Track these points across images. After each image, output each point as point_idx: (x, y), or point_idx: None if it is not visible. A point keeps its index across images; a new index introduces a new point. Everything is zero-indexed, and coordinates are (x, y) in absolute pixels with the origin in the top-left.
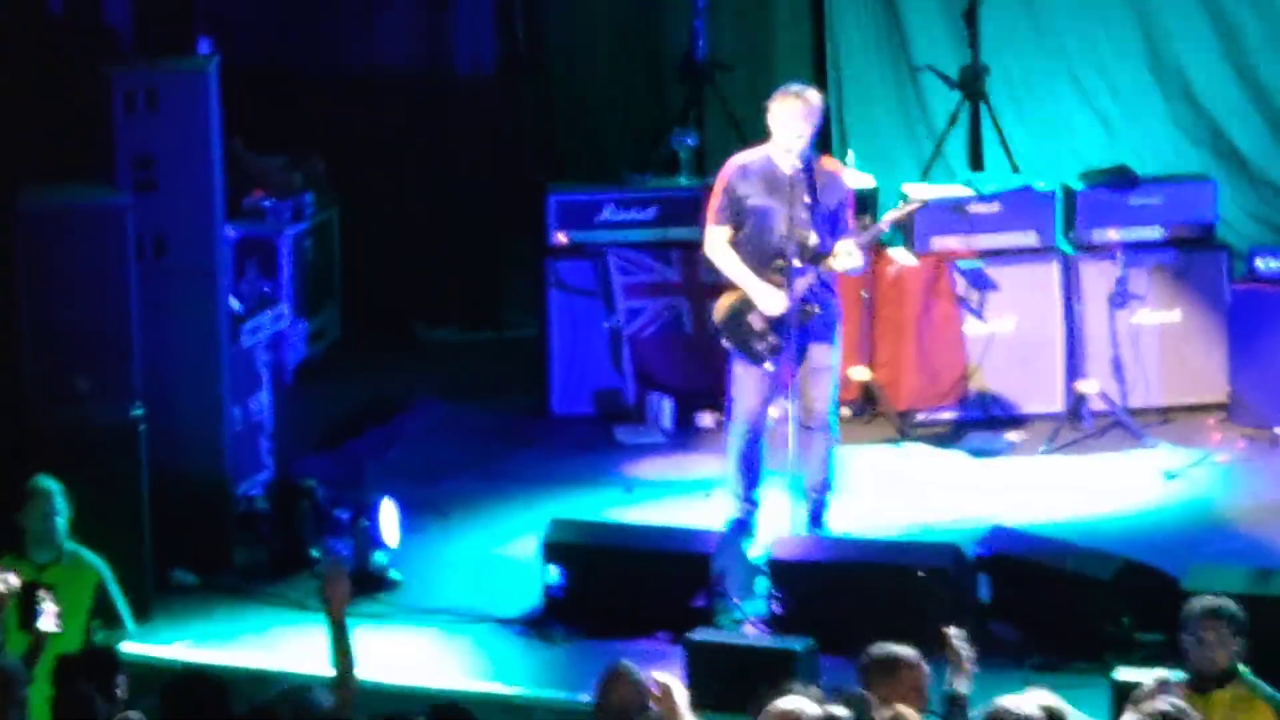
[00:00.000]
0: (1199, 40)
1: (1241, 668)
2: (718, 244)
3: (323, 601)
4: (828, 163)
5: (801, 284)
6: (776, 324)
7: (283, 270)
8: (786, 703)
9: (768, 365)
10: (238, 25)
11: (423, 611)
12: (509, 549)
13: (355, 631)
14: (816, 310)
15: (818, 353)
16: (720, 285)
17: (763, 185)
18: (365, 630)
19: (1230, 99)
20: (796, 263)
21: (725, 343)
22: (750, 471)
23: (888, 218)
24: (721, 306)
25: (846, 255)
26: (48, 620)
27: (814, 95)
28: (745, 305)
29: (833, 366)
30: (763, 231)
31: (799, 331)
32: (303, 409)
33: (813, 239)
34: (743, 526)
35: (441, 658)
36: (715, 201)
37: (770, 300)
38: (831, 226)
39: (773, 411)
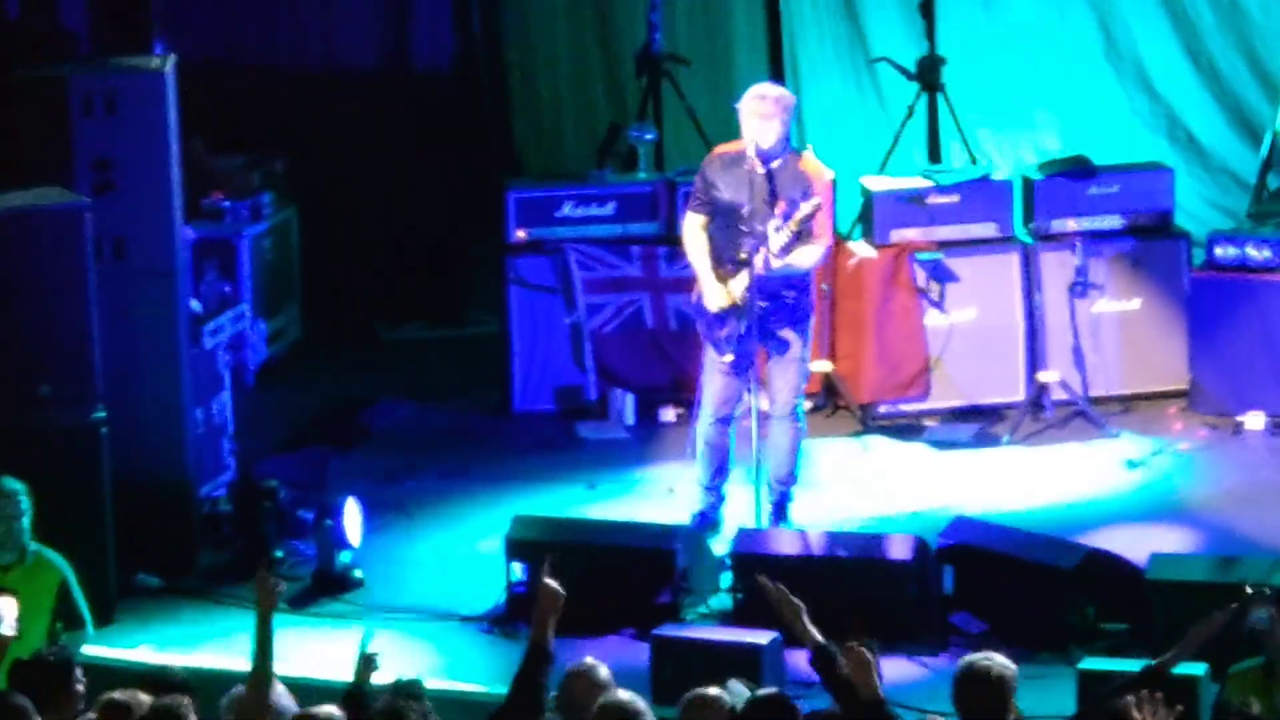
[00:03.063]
0: (1155, 29)
1: None
2: (688, 229)
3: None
4: (805, 163)
5: (746, 279)
6: (733, 316)
7: (242, 271)
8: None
9: (726, 356)
10: (194, 25)
11: (387, 610)
12: (472, 547)
13: (319, 631)
14: (764, 305)
15: (781, 345)
16: (684, 280)
17: (733, 180)
18: (329, 630)
19: (1187, 87)
20: (744, 256)
21: (698, 326)
22: (717, 462)
23: (795, 217)
24: (694, 293)
25: (762, 259)
26: (6, 625)
27: (781, 96)
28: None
29: (798, 359)
30: (728, 225)
31: (760, 325)
32: (264, 410)
33: (774, 240)
34: (707, 519)
35: (406, 656)
36: (695, 189)
37: (711, 294)
38: (805, 222)
39: (748, 402)
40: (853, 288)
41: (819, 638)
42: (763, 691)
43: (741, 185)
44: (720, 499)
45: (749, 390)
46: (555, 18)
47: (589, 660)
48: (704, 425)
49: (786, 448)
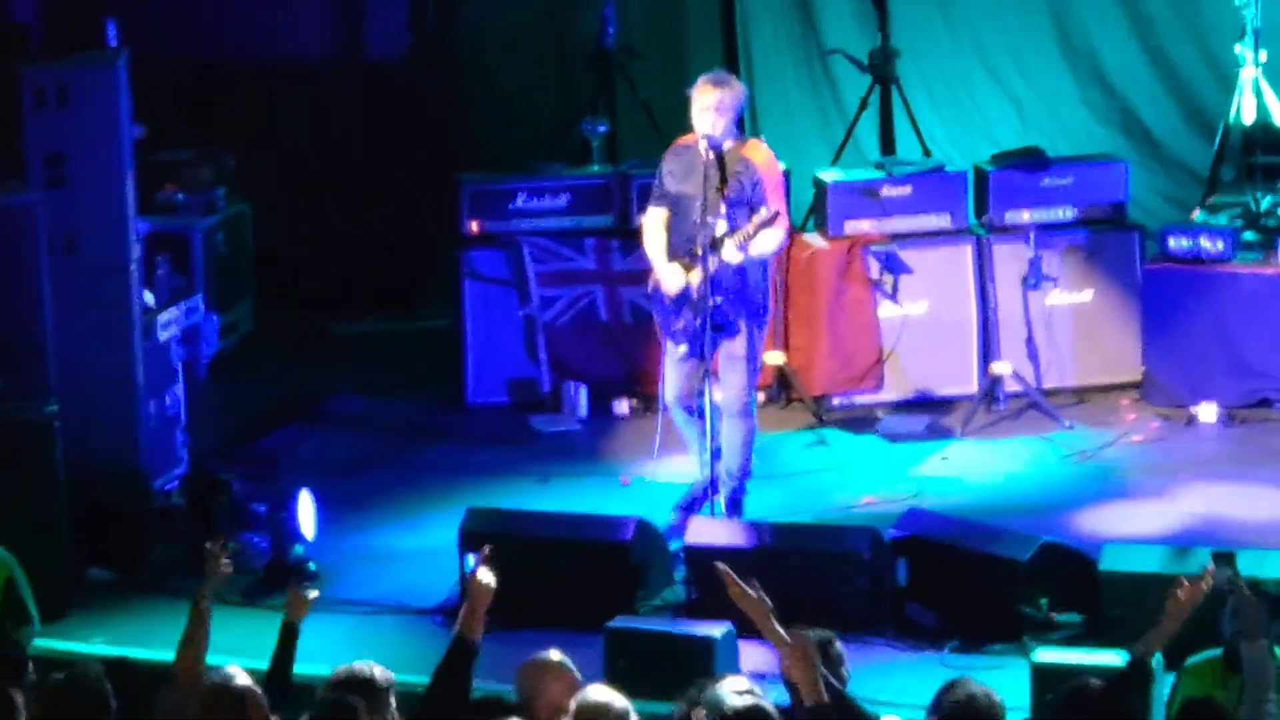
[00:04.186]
0: (1108, 20)
1: (1277, 649)
2: (649, 222)
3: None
4: (750, 150)
5: (702, 271)
6: (686, 308)
7: (195, 264)
8: (596, 693)
9: (680, 348)
10: (147, 19)
11: (340, 603)
12: (426, 539)
13: (273, 623)
14: (718, 300)
15: (728, 341)
16: (638, 272)
17: (685, 171)
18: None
19: (1140, 79)
20: (699, 250)
21: (655, 315)
22: (702, 435)
23: (754, 221)
24: (650, 283)
25: (726, 248)
26: None
27: (730, 86)
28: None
29: (746, 358)
30: (682, 217)
31: (713, 319)
32: (217, 403)
33: (721, 227)
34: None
35: (359, 649)
36: (656, 181)
37: (667, 276)
38: (748, 213)
39: (719, 396)
40: (806, 280)
41: (787, 638)
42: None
43: (692, 174)
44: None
45: (710, 383)
46: (509, 10)
47: (554, 655)
48: (673, 415)
49: (739, 443)
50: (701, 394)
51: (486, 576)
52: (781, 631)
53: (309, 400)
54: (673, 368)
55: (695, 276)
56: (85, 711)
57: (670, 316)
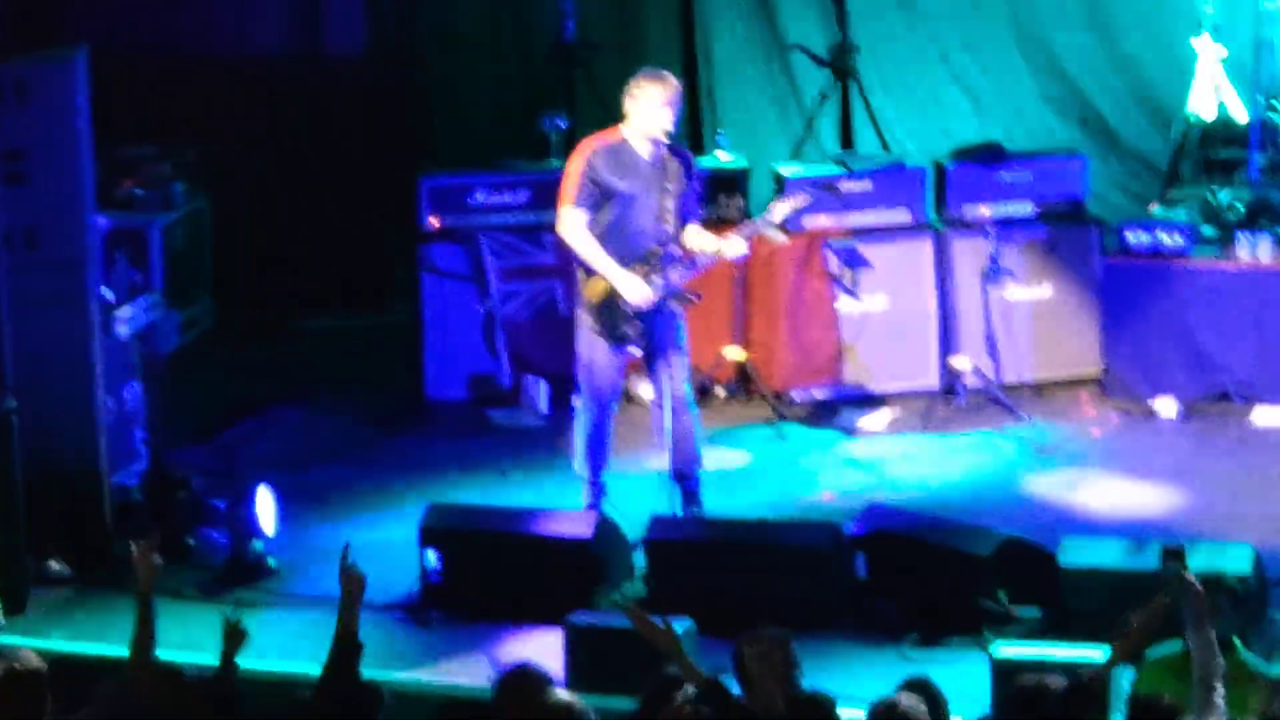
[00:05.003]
0: (1067, 15)
1: (1236, 641)
2: (578, 228)
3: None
4: (673, 143)
5: (677, 273)
6: (641, 313)
7: (154, 259)
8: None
9: (634, 349)
10: (106, 14)
11: (300, 599)
12: (386, 535)
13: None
14: (694, 300)
15: (674, 334)
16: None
17: (627, 171)
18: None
19: (1099, 74)
20: (657, 249)
21: (591, 324)
22: (598, 455)
23: (775, 211)
24: (595, 289)
25: (733, 244)
26: None
27: (673, 78)
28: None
29: (685, 344)
30: (629, 219)
31: (669, 317)
32: (176, 399)
33: (673, 224)
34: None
35: (319, 645)
36: (574, 182)
37: (637, 292)
38: (691, 207)
39: (644, 393)
40: (766, 275)
41: (703, 673)
42: None
43: (640, 177)
44: (604, 491)
45: (647, 383)
46: (467, 4)
47: (531, 665)
48: (588, 420)
49: (692, 435)
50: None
51: (356, 568)
52: (699, 671)
53: (268, 396)
54: (606, 371)
55: (657, 279)
56: (20, 706)
57: (623, 322)
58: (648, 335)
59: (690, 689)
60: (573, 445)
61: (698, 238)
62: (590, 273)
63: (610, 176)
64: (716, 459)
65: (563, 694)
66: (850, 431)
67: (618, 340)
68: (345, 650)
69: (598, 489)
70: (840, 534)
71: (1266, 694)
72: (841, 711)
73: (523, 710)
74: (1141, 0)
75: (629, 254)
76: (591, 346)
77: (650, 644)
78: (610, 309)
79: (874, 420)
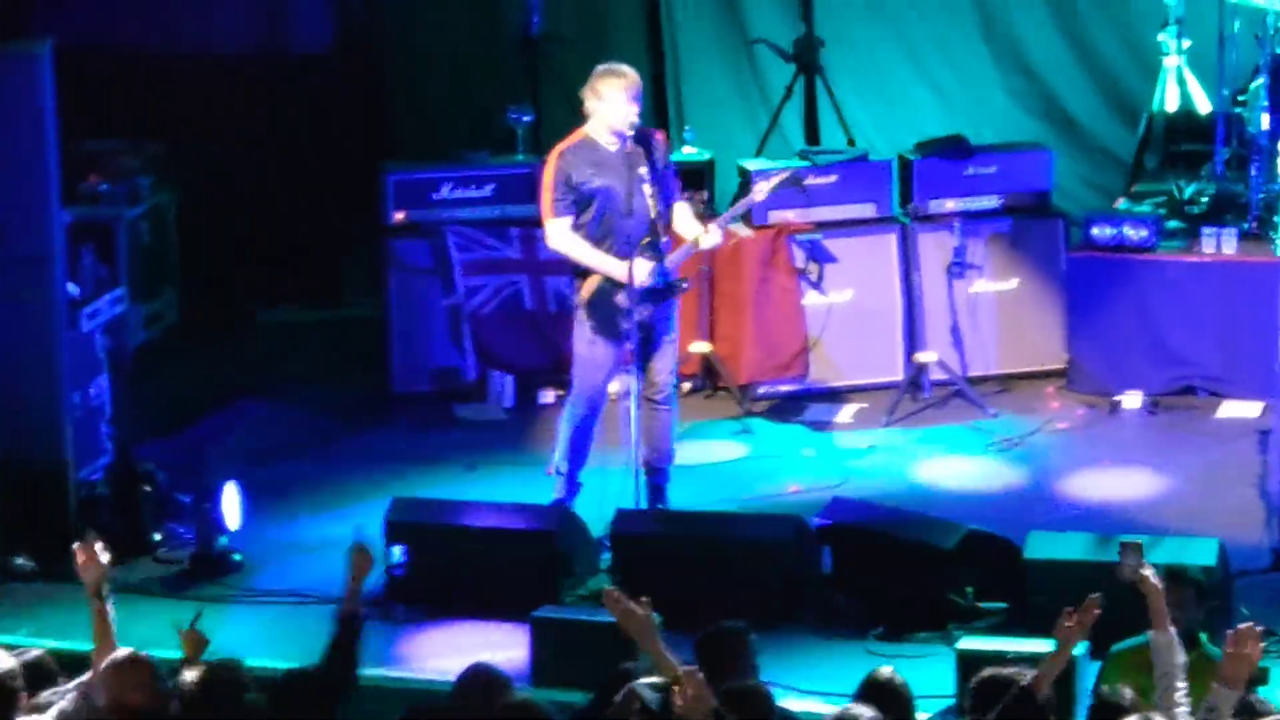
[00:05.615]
0: (1032, 8)
1: (1202, 635)
2: (565, 235)
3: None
4: (653, 133)
5: (671, 259)
6: (641, 301)
7: (120, 254)
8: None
9: (629, 344)
10: (71, 8)
11: (265, 593)
12: (351, 529)
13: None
14: (685, 284)
15: (663, 327)
16: (561, 261)
17: (598, 167)
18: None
19: (1064, 67)
20: (647, 240)
21: (587, 322)
22: (582, 451)
23: (761, 188)
24: (589, 287)
25: (709, 234)
26: None
27: (631, 71)
28: (612, 285)
29: (675, 340)
30: (611, 213)
31: (663, 309)
32: (142, 393)
33: (656, 209)
34: (563, 506)
35: (284, 639)
36: (551, 194)
37: (640, 270)
38: (670, 187)
39: (613, 387)
40: (731, 269)
41: (675, 665)
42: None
43: (610, 170)
44: (578, 488)
45: (634, 374)
46: None
47: (488, 665)
48: (577, 416)
49: (667, 431)
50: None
51: (367, 548)
52: (672, 660)
53: (234, 390)
54: (602, 365)
55: (645, 269)
56: None
57: (619, 316)
58: (646, 327)
59: (645, 689)
60: (539, 439)
61: (684, 220)
62: (586, 274)
63: (584, 176)
64: (682, 453)
65: (522, 694)
66: (815, 425)
67: (616, 337)
68: (348, 629)
69: (573, 485)
70: (805, 528)
71: None
72: (806, 705)
73: (482, 711)
74: None
75: (622, 245)
76: (591, 345)
77: (624, 632)
78: (605, 305)
79: (839, 414)
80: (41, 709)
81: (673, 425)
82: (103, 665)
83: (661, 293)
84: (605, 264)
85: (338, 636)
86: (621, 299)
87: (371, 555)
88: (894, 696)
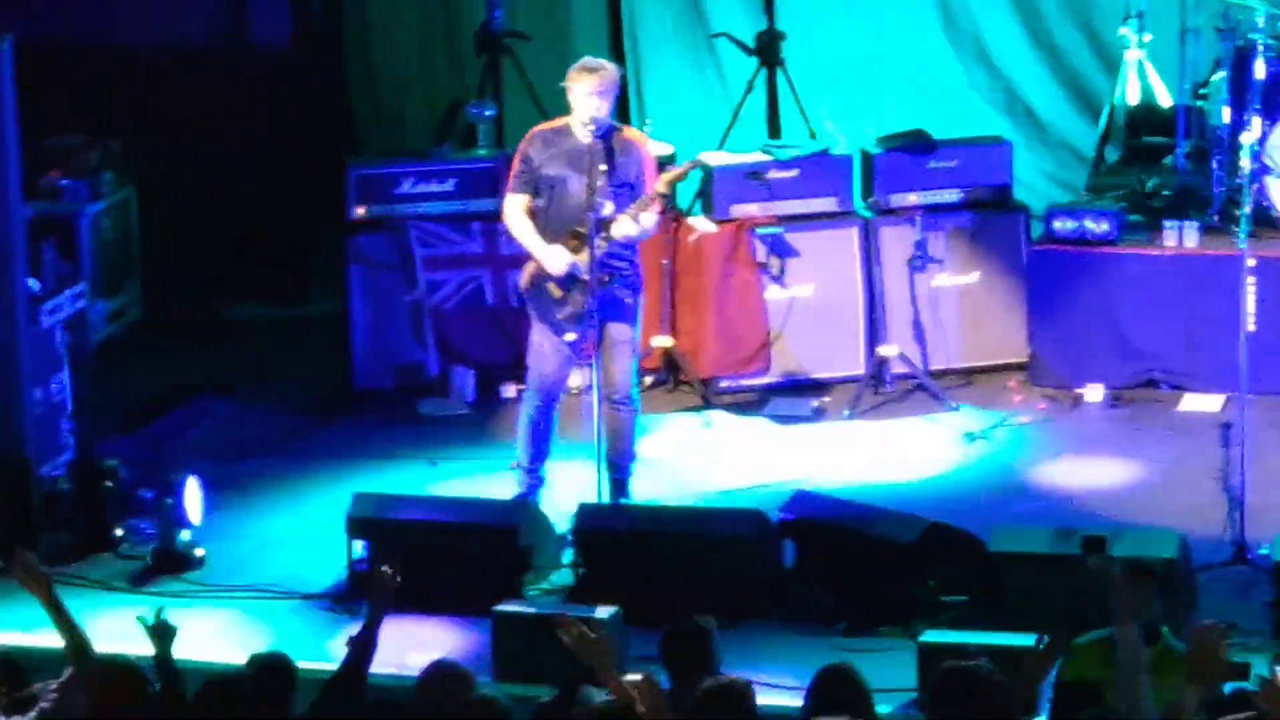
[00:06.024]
0: (993, 2)
1: (1164, 629)
2: (513, 210)
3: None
4: (629, 133)
5: (590, 252)
6: (574, 292)
7: (81, 250)
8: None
9: (568, 335)
10: (29, 3)
11: (227, 589)
12: (313, 525)
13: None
14: (607, 279)
15: (617, 325)
16: (523, 256)
17: (561, 155)
18: (171, 610)
19: (1025, 61)
20: (585, 230)
21: (531, 310)
22: (539, 444)
23: (663, 179)
24: (525, 274)
25: (619, 224)
26: None
27: (609, 69)
28: (544, 273)
29: (631, 340)
30: (560, 201)
31: (598, 302)
32: (103, 389)
33: (608, 208)
34: (526, 501)
35: (247, 635)
36: (513, 169)
37: (553, 259)
38: (632, 196)
39: (575, 381)
40: (693, 263)
41: (629, 689)
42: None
43: (572, 160)
44: (540, 482)
45: (589, 367)
46: None
47: (450, 661)
48: (529, 406)
49: (624, 431)
50: (566, 381)
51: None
52: (625, 686)
53: (196, 386)
54: (549, 357)
55: (584, 258)
56: None
57: (554, 306)
58: (585, 320)
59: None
60: (501, 434)
61: (621, 228)
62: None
63: (540, 161)
64: (645, 447)
65: (484, 691)
66: (778, 419)
67: (553, 324)
68: (364, 655)
69: (535, 479)
70: (767, 522)
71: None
72: (771, 699)
73: (444, 708)
74: None
75: (557, 235)
76: (541, 334)
77: (577, 656)
78: (539, 292)
79: (801, 408)
80: (26, 705)
81: (633, 426)
82: (90, 674)
83: (586, 285)
84: (533, 246)
85: (351, 662)
86: (553, 288)
87: (395, 582)
88: (851, 688)
